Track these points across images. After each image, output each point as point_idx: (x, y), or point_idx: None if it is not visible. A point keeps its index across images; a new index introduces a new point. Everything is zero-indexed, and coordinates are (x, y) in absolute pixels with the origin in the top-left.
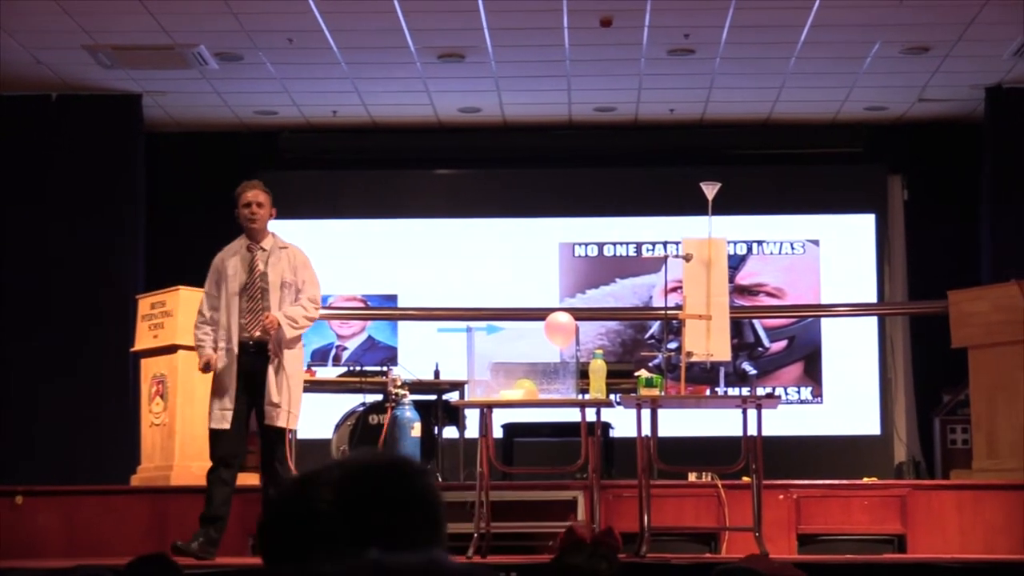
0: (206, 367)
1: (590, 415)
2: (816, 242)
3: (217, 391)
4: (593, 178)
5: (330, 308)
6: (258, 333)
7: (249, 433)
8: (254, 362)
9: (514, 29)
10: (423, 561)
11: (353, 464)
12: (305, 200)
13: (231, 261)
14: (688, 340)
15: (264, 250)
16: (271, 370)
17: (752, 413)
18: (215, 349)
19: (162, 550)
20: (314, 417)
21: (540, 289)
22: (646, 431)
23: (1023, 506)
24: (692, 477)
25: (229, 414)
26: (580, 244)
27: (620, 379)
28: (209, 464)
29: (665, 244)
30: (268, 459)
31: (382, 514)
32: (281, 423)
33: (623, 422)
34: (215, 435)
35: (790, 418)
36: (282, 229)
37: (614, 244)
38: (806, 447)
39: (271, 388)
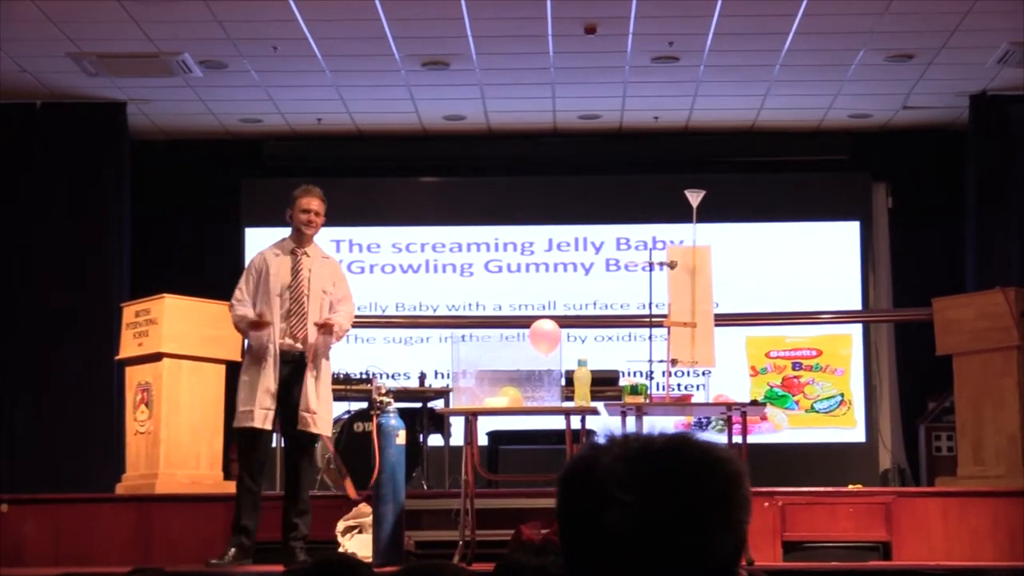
0: (259, 320)
1: (575, 423)
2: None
3: (256, 389)
4: (578, 186)
5: None
6: (314, 335)
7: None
8: (291, 369)
9: (498, 37)
10: None
11: (645, 438)
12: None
13: (275, 261)
14: (673, 347)
15: (309, 256)
16: (310, 377)
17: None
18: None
19: (150, 560)
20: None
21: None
22: None
23: (1008, 513)
24: None
25: (272, 414)
26: None
27: (605, 386)
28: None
29: (650, 251)
30: (297, 465)
31: (661, 491)
32: (316, 430)
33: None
34: (255, 436)
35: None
36: (266, 237)
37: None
38: (791, 454)
39: (309, 395)
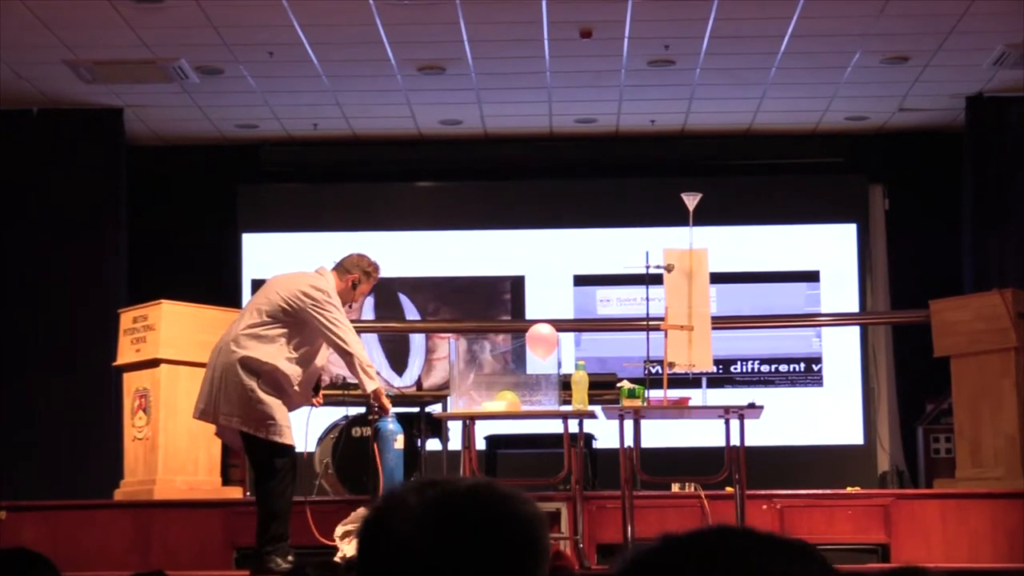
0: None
1: (573, 426)
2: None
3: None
4: (575, 190)
5: None
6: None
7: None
8: None
9: (494, 41)
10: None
11: (446, 486)
12: (286, 213)
13: None
14: (670, 350)
15: None
16: None
17: (735, 423)
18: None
19: (147, 566)
20: (297, 430)
21: None
22: (629, 442)
23: (1007, 514)
24: (675, 488)
25: None
26: None
27: (603, 390)
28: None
29: (647, 255)
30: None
31: (459, 542)
32: None
33: (606, 433)
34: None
35: (773, 428)
36: (263, 242)
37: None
38: (789, 457)
39: None
